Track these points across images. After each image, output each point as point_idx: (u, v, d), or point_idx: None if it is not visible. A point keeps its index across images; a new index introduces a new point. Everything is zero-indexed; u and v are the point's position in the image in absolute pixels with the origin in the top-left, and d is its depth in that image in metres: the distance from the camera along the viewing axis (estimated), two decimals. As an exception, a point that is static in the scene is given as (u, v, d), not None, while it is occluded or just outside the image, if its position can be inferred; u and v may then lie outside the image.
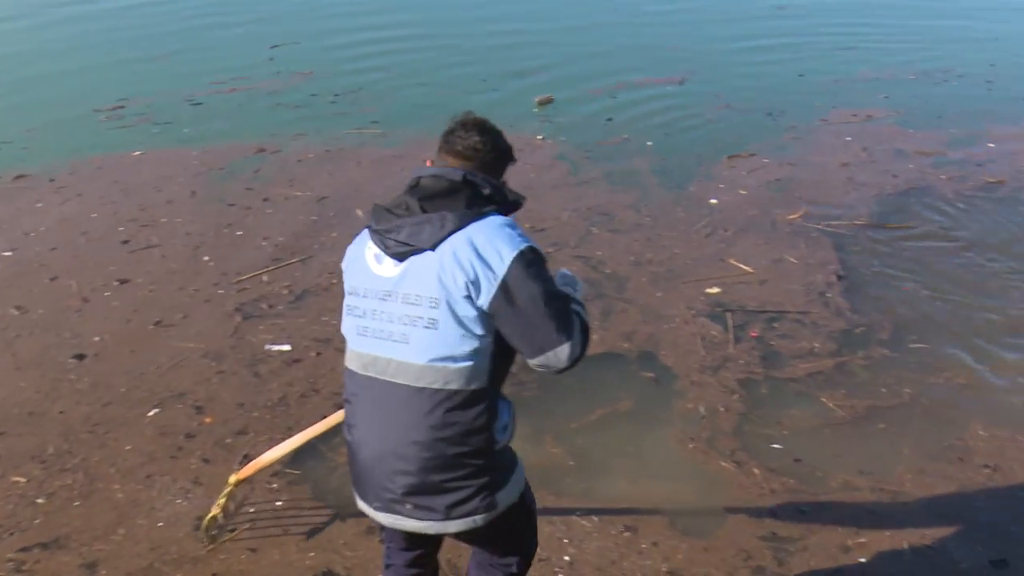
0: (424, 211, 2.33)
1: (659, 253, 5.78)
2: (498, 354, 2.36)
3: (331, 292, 5.33)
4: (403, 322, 2.31)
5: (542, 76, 9.04)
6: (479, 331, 2.29)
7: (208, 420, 4.31)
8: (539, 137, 7.61)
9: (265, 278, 5.52)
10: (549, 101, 8.33)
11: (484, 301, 2.26)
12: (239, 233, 6.08)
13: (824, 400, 4.46)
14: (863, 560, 3.53)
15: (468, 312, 2.27)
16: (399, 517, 2.40)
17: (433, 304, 2.27)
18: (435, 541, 2.72)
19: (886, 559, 3.54)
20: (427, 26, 10.69)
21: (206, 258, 5.79)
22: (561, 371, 2.36)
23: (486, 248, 2.28)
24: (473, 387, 2.31)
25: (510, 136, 2.63)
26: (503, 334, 2.32)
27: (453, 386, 2.29)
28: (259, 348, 4.85)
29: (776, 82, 9.02)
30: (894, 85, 8.97)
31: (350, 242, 2.58)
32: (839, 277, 5.50)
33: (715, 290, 5.38)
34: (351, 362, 2.46)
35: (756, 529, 3.66)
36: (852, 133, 7.78)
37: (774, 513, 3.74)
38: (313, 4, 11.77)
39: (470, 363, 2.30)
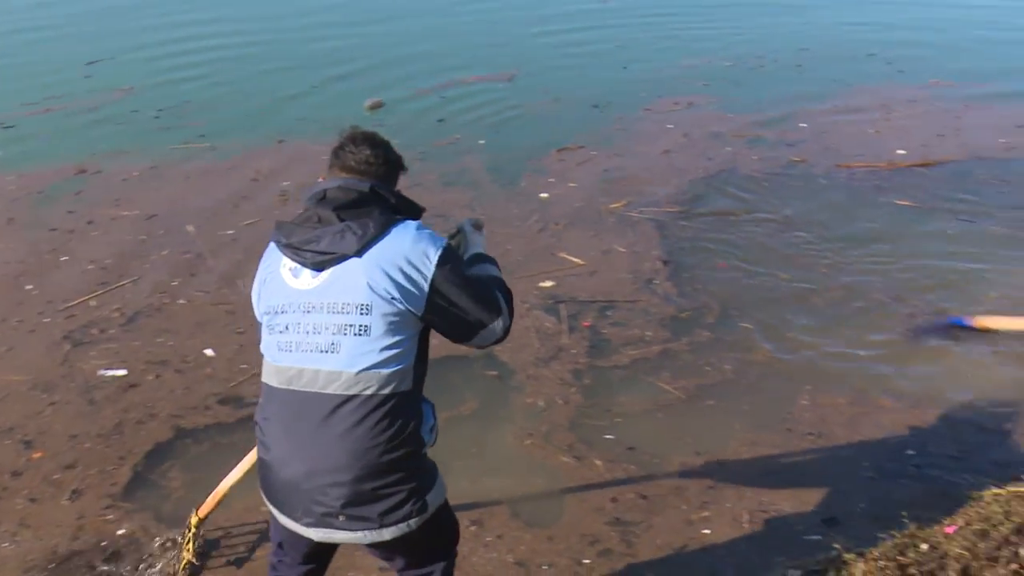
0: (342, 220, 2.35)
1: (493, 250, 5.84)
2: (419, 356, 2.41)
3: (165, 312, 5.22)
4: (332, 332, 2.31)
5: (370, 78, 9.03)
6: (407, 334, 2.34)
7: (37, 455, 4.14)
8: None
9: (94, 303, 5.34)
10: (380, 105, 8.33)
11: (417, 303, 2.33)
12: (64, 258, 5.86)
13: (657, 384, 4.62)
14: (707, 531, 3.70)
15: (398, 316, 2.31)
16: (331, 531, 2.38)
17: (363, 311, 2.30)
18: (327, 558, 2.72)
19: (728, 528, 3.72)
20: (248, 34, 10.49)
21: (29, 287, 5.56)
22: (497, 342, 2.51)
23: (412, 251, 2.34)
24: (402, 390, 2.34)
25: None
26: (439, 329, 2.42)
27: (385, 391, 2.31)
28: (92, 375, 4.70)
29: (602, 75, 9.27)
30: (713, 73, 9.34)
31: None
32: (664, 263, 5.72)
33: (548, 284, 5.51)
34: (270, 378, 2.44)
35: (600, 516, 3.78)
36: (674, 121, 8.09)
37: (616, 499, 3.87)
38: (127, 18, 11.35)
39: (400, 367, 2.33)
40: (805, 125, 7.99)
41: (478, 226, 2.87)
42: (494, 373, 4.71)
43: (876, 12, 11.52)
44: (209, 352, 4.88)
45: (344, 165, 2.52)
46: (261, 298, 2.51)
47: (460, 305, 2.39)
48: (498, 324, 2.45)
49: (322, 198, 2.44)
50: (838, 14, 11.53)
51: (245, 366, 4.71)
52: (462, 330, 2.44)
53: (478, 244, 2.79)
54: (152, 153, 7.45)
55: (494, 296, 2.48)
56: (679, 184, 6.85)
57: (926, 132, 7.82)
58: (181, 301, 5.32)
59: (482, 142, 7.68)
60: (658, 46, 10.14)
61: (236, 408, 4.42)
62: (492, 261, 2.71)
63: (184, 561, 3.46)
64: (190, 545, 3.49)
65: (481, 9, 11.49)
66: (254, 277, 2.58)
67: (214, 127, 7.92)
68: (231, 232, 6.05)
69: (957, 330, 4.63)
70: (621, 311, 5.25)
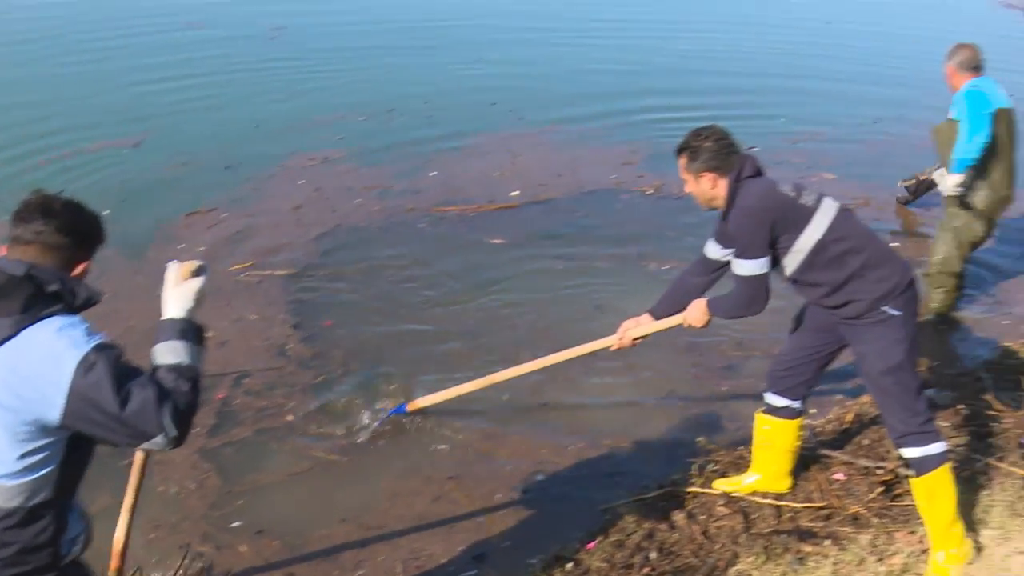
0: None
1: (117, 327, 5.48)
2: (68, 462, 2.12)
3: None
4: None
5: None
6: (43, 442, 2.05)
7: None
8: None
9: None
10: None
11: (50, 414, 2.03)
12: None
13: (298, 452, 4.56)
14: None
15: (28, 425, 2.02)
16: None
17: None
18: None
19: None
20: None
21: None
22: (174, 448, 2.20)
23: (44, 358, 2.04)
24: (35, 503, 2.05)
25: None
26: (93, 438, 2.11)
27: (11, 504, 2.02)
28: None
29: (234, 134, 9.03)
30: (346, 126, 9.40)
31: None
32: (294, 327, 5.64)
33: (177, 359, 5.23)
34: None
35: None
36: (307, 176, 8.05)
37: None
38: None
39: (31, 477, 2.05)
40: (435, 173, 8.24)
41: (198, 272, 2.46)
42: (126, 462, 4.37)
43: (496, 61, 12.13)
44: None
45: (16, 236, 2.21)
46: None
47: (107, 418, 2.08)
48: (159, 439, 2.15)
49: None
50: (461, 61, 12.01)
51: None
52: (119, 440, 2.14)
53: (175, 307, 2.39)
54: None
55: (152, 408, 2.13)
56: (307, 241, 6.82)
57: (546, 172, 8.33)
58: None
59: (107, 212, 7.17)
60: (292, 102, 10.05)
61: None
62: (187, 332, 2.34)
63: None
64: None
65: (102, 72, 10.85)
66: None
67: None
68: None
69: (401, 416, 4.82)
70: (255, 380, 5.12)
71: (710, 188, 3.64)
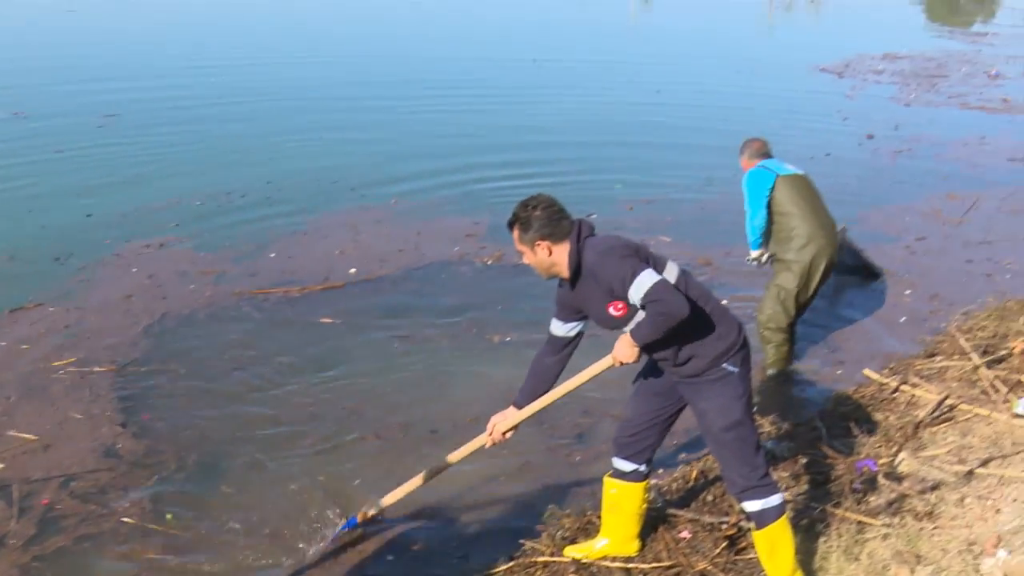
0: None
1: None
2: None
3: None
4: None
5: None
6: None
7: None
8: None
9: None
10: None
11: None
12: None
13: (128, 558, 4.33)
14: None
15: None
16: None
17: None
18: None
19: None
20: None
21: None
22: None
23: None
24: None
25: None
26: None
27: None
28: None
29: (64, 225, 8.63)
30: (184, 211, 9.14)
31: None
32: (122, 424, 5.39)
33: (-2, 468, 4.91)
34: None
35: None
36: (141, 264, 7.76)
37: None
38: None
39: None
40: (274, 255, 8.09)
41: None
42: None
43: (335, 137, 12.13)
44: None
45: None
46: None
47: None
48: None
49: None
50: (299, 139, 11.93)
51: None
52: None
53: None
54: None
55: None
56: (135, 333, 6.55)
57: (388, 248, 8.30)
58: None
59: (-76, 314, 6.76)
60: (126, 190, 9.70)
61: None
62: None
63: None
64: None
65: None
66: None
67: None
68: None
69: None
70: (83, 483, 4.83)
71: (547, 256, 3.65)
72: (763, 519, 3.74)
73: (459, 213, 9.29)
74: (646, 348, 3.71)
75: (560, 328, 3.90)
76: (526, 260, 3.75)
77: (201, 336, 6.56)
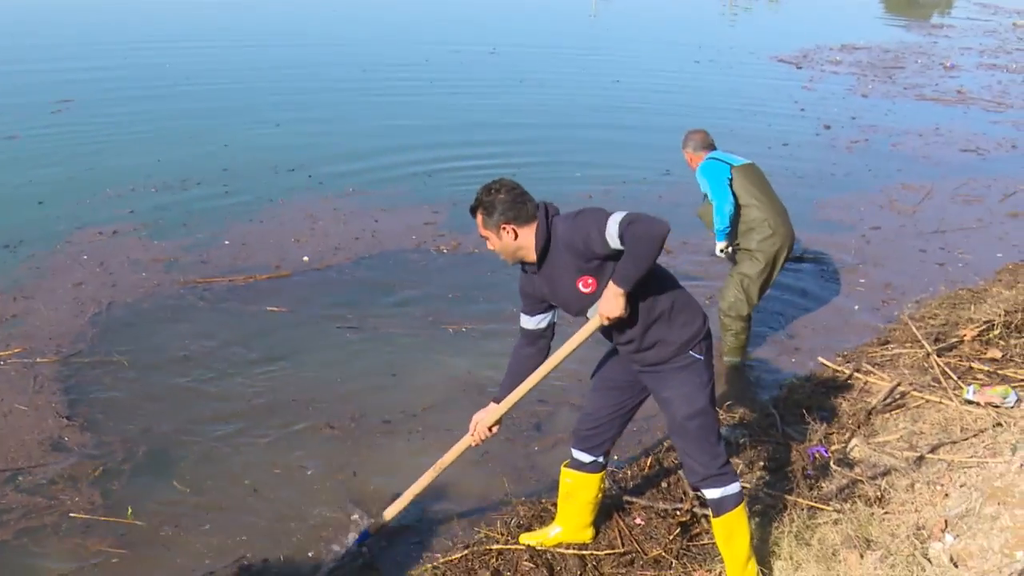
0: None
1: None
2: None
3: None
4: None
5: None
6: None
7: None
8: None
9: None
10: None
11: None
12: None
13: (75, 551, 4.25)
14: None
15: None
16: None
17: None
18: None
19: None
20: None
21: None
22: None
23: None
24: None
25: None
26: None
27: None
28: None
29: (14, 212, 8.46)
30: (139, 198, 9.01)
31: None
32: (68, 418, 5.27)
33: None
34: None
35: None
36: (92, 252, 7.63)
37: None
38: None
39: None
40: (228, 242, 7.99)
41: None
42: None
43: (292, 124, 12.01)
44: None
45: None
46: None
47: None
48: None
49: None
50: (258, 126, 11.85)
51: None
52: None
53: None
54: None
55: None
56: (82, 322, 6.42)
57: (345, 236, 8.24)
58: None
59: None
60: (79, 177, 9.55)
61: None
62: None
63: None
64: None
65: None
66: None
67: None
68: None
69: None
70: (29, 478, 4.73)
71: (512, 240, 3.58)
72: (721, 507, 3.75)
73: (418, 201, 9.24)
74: (609, 333, 3.69)
75: (529, 322, 3.84)
76: (491, 246, 3.68)
77: (149, 325, 6.46)
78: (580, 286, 3.56)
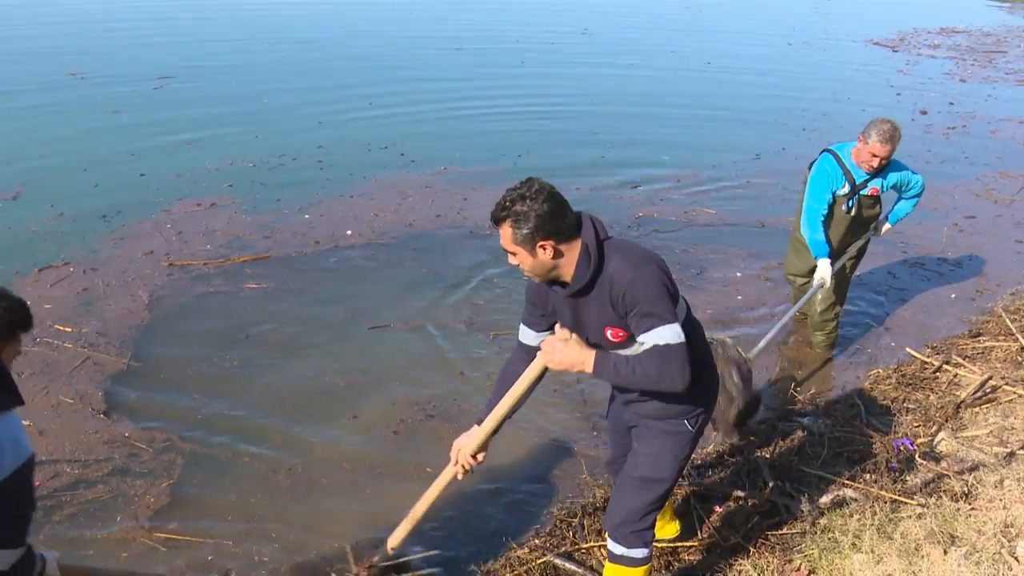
0: None
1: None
2: None
3: None
4: None
5: None
6: None
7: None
8: None
9: None
10: None
11: None
12: None
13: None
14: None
15: None
16: None
17: None
18: None
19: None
20: None
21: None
22: None
23: None
24: None
25: None
26: None
27: None
28: None
29: (117, 185, 8.79)
30: (237, 174, 9.27)
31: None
32: (104, 413, 5.24)
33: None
34: None
35: None
36: (179, 222, 7.93)
37: None
38: None
39: None
40: (308, 216, 8.20)
41: None
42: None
43: (377, 107, 12.20)
44: None
45: None
46: None
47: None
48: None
49: None
50: (343, 111, 11.99)
51: None
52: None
53: None
54: None
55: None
56: (139, 304, 6.50)
57: (430, 212, 8.37)
58: None
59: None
60: (180, 152, 9.89)
61: None
62: None
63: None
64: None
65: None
66: None
67: None
68: None
69: None
70: (81, 469, 4.77)
71: (550, 257, 2.93)
72: (617, 560, 3.46)
73: (503, 181, 9.30)
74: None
75: (530, 337, 3.32)
76: (518, 262, 2.99)
77: (206, 299, 6.65)
78: (608, 334, 3.05)
